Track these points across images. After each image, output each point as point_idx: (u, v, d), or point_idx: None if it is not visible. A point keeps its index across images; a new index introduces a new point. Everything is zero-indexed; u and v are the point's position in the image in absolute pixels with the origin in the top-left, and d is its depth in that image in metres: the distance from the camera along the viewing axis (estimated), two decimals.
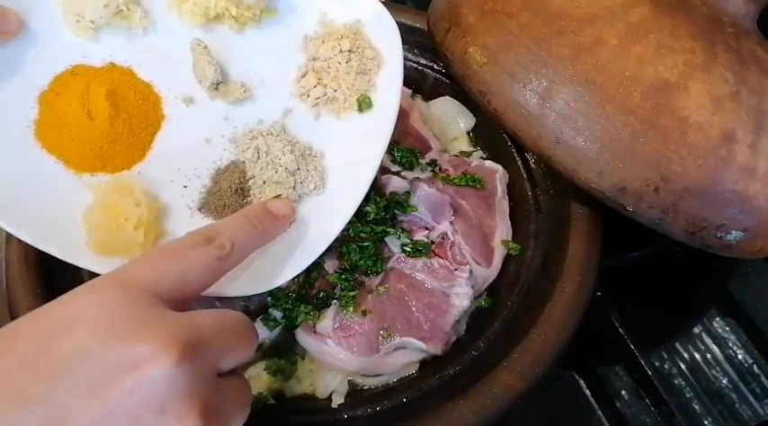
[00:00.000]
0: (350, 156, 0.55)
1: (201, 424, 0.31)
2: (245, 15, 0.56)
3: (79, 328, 0.31)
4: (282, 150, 0.54)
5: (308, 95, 0.57)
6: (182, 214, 0.53)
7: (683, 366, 0.66)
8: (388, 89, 0.57)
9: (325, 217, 0.54)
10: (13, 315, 0.54)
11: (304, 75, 0.58)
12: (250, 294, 0.52)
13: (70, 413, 0.29)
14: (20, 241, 0.52)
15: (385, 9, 0.57)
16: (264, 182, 0.54)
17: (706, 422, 0.63)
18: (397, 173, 0.62)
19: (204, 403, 0.32)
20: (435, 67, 0.74)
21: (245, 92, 0.56)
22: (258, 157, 0.54)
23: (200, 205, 0.54)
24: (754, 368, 0.66)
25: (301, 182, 0.54)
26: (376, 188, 0.62)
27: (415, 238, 0.59)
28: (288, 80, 0.58)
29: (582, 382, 0.65)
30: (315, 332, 0.54)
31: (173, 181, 0.54)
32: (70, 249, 0.50)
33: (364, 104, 0.57)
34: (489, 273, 0.60)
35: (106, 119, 0.52)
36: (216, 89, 0.56)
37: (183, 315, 0.35)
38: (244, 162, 0.54)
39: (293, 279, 0.54)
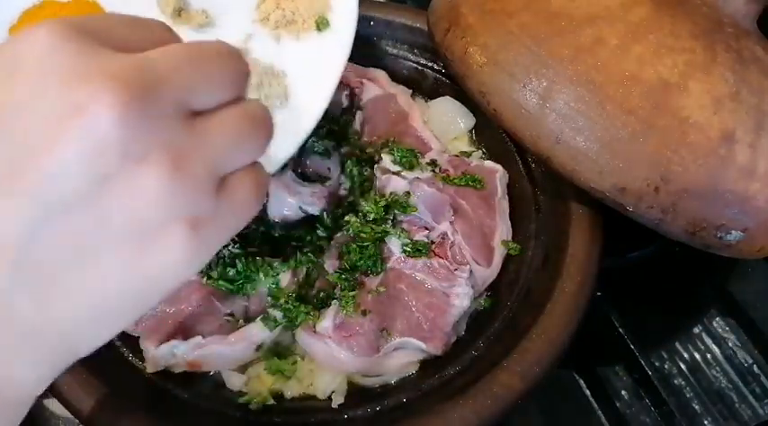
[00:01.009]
0: (311, 74, 0.57)
1: (169, 168, 0.28)
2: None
3: (15, 78, 0.28)
4: None
5: (269, 19, 0.58)
6: None
7: (683, 366, 0.66)
8: (345, 7, 0.59)
9: (288, 129, 0.54)
10: None
11: (264, 1, 0.59)
12: None
13: (25, 165, 0.27)
14: None
15: None
16: None
17: (706, 422, 0.63)
18: (397, 173, 0.62)
19: (173, 145, 0.28)
20: (435, 67, 0.74)
21: (206, 18, 0.58)
22: None
23: None
24: (754, 368, 0.65)
25: (265, 96, 0.55)
26: (376, 188, 0.62)
27: (415, 238, 0.59)
28: (248, 6, 0.59)
29: (582, 382, 0.65)
30: (315, 333, 0.54)
31: None
32: None
33: (322, 24, 0.58)
34: (489, 273, 0.60)
35: None
36: (179, 15, 0.57)
37: (132, 55, 0.29)
38: None
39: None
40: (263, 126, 0.34)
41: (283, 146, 0.54)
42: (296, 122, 0.55)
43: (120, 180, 0.27)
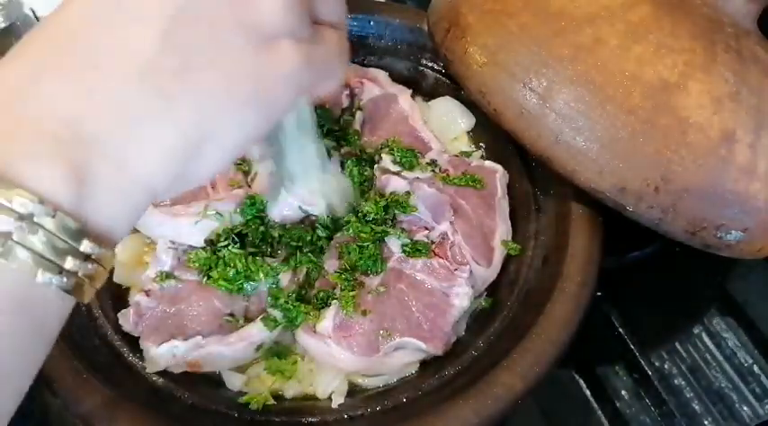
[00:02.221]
0: None
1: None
2: None
3: None
4: None
5: None
6: None
7: (682, 366, 0.66)
8: None
9: None
10: None
11: None
12: None
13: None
14: None
15: None
16: None
17: (706, 422, 0.63)
18: (397, 173, 0.62)
19: (297, 23, 0.36)
20: (435, 67, 0.74)
21: None
22: None
23: None
24: (754, 367, 0.65)
25: None
26: (376, 188, 0.62)
27: (415, 238, 0.59)
28: None
29: (582, 382, 0.65)
30: (315, 332, 0.54)
31: None
32: None
33: None
34: (489, 273, 0.60)
35: None
36: None
37: None
38: None
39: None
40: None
41: None
42: None
43: None
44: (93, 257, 0.31)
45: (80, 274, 0.31)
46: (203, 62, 0.33)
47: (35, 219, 0.29)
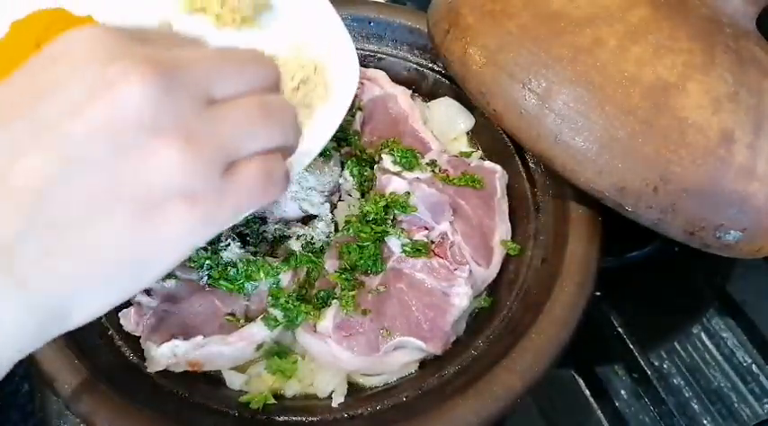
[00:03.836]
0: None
1: (181, 144, 0.31)
2: (226, 17, 0.58)
3: (58, 62, 0.32)
4: None
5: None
6: None
7: (681, 365, 0.66)
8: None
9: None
10: None
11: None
12: None
13: (57, 127, 0.30)
14: None
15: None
16: None
17: (705, 422, 0.63)
18: (397, 174, 0.62)
19: (188, 125, 0.31)
20: (435, 68, 0.74)
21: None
22: None
23: None
24: (753, 367, 0.66)
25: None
26: (376, 188, 0.62)
27: (414, 238, 0.59)
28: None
29: (581, 382, 0.65)
30: (315, 332, 0.54)
31: None
32: None
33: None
34: (489, 273, 0.60)
35: None
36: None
37: (163, 47, 0.34)
38: None
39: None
40: (279, 116, 0.36)
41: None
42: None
43: (137, 150, 0.30)
44: None
45: None
46: (70, 242, 0.30)
47: None
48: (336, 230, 0.60)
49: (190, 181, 0.31)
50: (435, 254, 0.58)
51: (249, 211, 0.36)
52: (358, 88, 0.70)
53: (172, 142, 0.31)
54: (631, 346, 0.64)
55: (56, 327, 0.32)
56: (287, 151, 0.38)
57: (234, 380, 0.55)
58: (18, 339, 0.31)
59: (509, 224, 0.63)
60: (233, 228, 0.59)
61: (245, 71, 0.35)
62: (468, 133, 0.72)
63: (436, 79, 0.74)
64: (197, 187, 0.32)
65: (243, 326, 0.54)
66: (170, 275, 0.56)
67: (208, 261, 0.56)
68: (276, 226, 0.60)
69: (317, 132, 0.54)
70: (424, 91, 0.75)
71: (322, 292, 0.57)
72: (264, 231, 0.60)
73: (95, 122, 0.30)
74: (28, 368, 0.63)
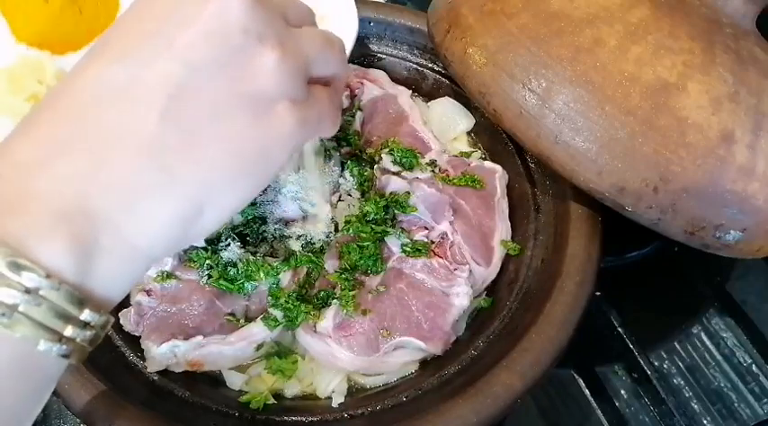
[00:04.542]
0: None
1: (280, 52, 0.36)
2: None
3: None
4: None
5: None
6: None
7: (681, 365, 0.66)
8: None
9: None
10: None
11: None
12: None
13: (177, 37, 0.34)
14: None
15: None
16: None
17: (705, 422, 0.63)
18: (397, 173, 0.62)
19: (281, 36, 0.37)
20: (435, 68, 0.74)
21: None
22: None
23: None
24: (753, 367, 0.66)
25: None
26: (376, 188, 0.62)
27: (414, 238, 0.59)
28: None
29: (581, 381, 0.65)
30: (315, 332, 0.54)
31: None
32: None
33: None
34: (488, 273, 0.60)
35: (58, 7, 0.57)
36: None
37: None
38: None
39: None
40: (338, 44, 0.43)
41: None
42: None
43: (245, 55, 0.35)
44: (91, 324, 0.33)
45: (78, 340, 0.32)
46: (204, 137, 0.34)
47: (41, 293, 0.30)
48: (336, 230, 0.60)
49: (292, 86, 0.37)
50: (435, 254, 0.59)
51: (324, 133, 0.43)
52: (357, 88, 0.71)
53: (274, 47, 0.36)
54: (631, 346, 0.64)
55: (192, 227, 0.35)
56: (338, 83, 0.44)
57: (234, 380, 0.55)
58: (168, 236, 0.34)
59: (509, 224, 0.63)
60: (233, 228, 0.59)
61: (302, 5, 0.42)
62: (468, 133, 0.72)
63: (436, 79, 0.74)
64: (292, 92, 0.37)
65: (243, 326, 0.54)
66: (170, 275, 0.56)
67: (208, 261, 0.56)
68: (276, 226, 0.60)
69: None
70: (424, 91, 0.75)
71: (322, 292, 0.57)
72: (264, 231, 0.60)
73: (208, 27, 0.34)
74: None
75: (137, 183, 0.33)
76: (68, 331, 0.32)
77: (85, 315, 0.32)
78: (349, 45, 0.58)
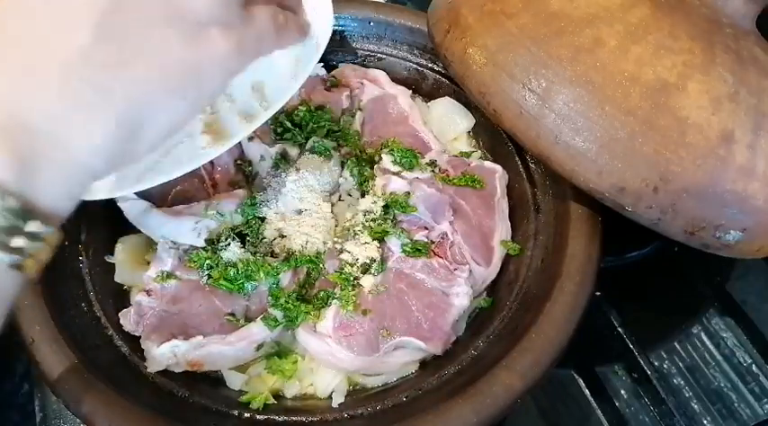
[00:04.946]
0: None
1: None
2: None
3: None
4: None
5: None
6: None
7: (681, 365, 0.66)
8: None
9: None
10: None
11: None
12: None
13: None
14: None
15: None
16: None
17: (705, 421, 0.63)
18: (397, 174, 0.62)
19: None
20: (435, 68, 0.74)
21: None
22: None
23: None
24: (753, 367, 0.66)
25: None
26: (376, 188, 0.62)
27: (414, 238, 0.59)
28: None
29: (581, 381, 0.65)
30: (315, 332, 0.54)
31: None
32: None
33: None
34: (488, 273, 0.60)
35: None
36: None
37: None
38: None
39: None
40: None
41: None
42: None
43: None
44: (39, 235, 0.34)
45: (26, 251, 0.33)
46: (135, 53, 0.35)
47: None
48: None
49: (225, 12, 0.38)
50: (435, 254, 0.59)
51: (267, 52, 0.43)
52: (357, 88, 0.71)
53: None
54: (631, 346, 0.64)
55: (132, 144, 0.36)
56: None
57: (234, 380, 0.55)
58: (107, 151, 0.35)
59: (509, 224, 0.63)
60: (233, 228, 0.59)
61: None
62: (468, 133, 0.72)
63: (436, 79, 0.74)
64: (230, 18, 0.38)
65: (243, 326, 0.54)
66: (170, 275, 0.56)
67: (208, 261, 0.56)
68: (276, 226, 0.60)
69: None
70: (424, 91, 0.75)
71: (322, 292, 0.57)
72: (264, 231, 0.60)
73: None
74: (28, 368, 0.63)
75: (70, 97, 0.33)
76: (16, 241, 0.33)
77: (31, 226, 0.33)
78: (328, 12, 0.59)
